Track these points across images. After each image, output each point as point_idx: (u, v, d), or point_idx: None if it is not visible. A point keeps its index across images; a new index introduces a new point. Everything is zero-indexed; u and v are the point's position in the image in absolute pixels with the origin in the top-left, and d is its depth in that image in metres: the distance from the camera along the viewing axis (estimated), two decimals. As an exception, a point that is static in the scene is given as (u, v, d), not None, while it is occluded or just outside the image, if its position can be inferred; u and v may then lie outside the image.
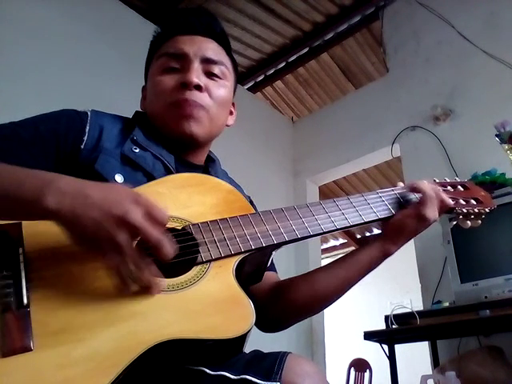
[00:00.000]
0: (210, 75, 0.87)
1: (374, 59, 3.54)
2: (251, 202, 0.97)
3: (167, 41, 0.88)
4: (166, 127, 0.84)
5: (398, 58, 2.98)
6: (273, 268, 0.93)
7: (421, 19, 2.87)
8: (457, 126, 2.53)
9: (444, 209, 0.85)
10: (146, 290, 0.58)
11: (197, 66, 0.85)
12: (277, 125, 3.53)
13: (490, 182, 1.96)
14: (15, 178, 0.59)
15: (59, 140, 0.74)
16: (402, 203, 0.85)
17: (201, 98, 0.84)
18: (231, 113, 0.96)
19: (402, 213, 0.83)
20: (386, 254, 0.84)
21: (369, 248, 0.85)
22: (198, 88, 0.84)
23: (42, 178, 0.59)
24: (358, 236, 5.76)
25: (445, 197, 0.86)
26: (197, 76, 0.84)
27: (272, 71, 3.65)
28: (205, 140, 0.88)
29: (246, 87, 3.63)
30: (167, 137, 0.85)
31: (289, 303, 0.85)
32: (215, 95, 0.86)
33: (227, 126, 0.94)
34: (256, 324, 0.86)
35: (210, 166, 0.91)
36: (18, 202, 0.57)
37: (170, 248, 0.58)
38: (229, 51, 0.93)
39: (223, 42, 0.92)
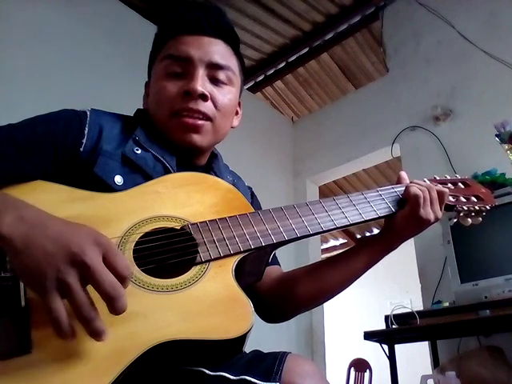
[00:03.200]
0: (215, 81, 0.84)
1: (374, 59, 3.53)
2: (252, 194, 0.97)
3: (172, 39, 0.85)
4: (169, 135, 0.83)
5: (398, 58, 2.97)
6: (276, 262, 0.93)
7: (421, 19, 2.87)
8: (457, 125, 2.53)
9: (443, 199, 0.84)
10: (92, 337, 0.51)
11: (202, 73, 0.82)
12: (277, 125, 3.53)
13: (490, 182, 1.95)
14: None
15: (57, 143, 0.73)
16: (402, 201, 0.84)
17: (205, 107, 0.81)
18: (236, 113, 0.93)
19: (401, 214, 0.82)
20: (389, 249, 0.84)
21: (372, 243, 0.85)
22: (203, 97, 0.81)
23: (8, 203, 0.57)
24: (358, 236, 5.76)
25: (440, 188, 0.85)
26: (201, 84, 0.81)
27: (272, 71, 3.64)
28: (208, 148, 0.88)
29: (246, 87, 3.62)
30: (170, 140, 0.84)
31: (293, 297, 0.85)
32: (220, 104, 0.83)
33: (232, 127, 0.92)
34: (259, 315, 0.86)
35: (212, 162, 0.90)
36: None
37: (123, 303, 0.51)
38: (237, 49, 0.89)
39: (231, 39, 0.87)
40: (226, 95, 0.85)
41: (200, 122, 0.81)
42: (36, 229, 0.52)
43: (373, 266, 0.85)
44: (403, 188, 0.85)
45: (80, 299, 0.50)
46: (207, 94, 0.81)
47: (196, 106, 0.80)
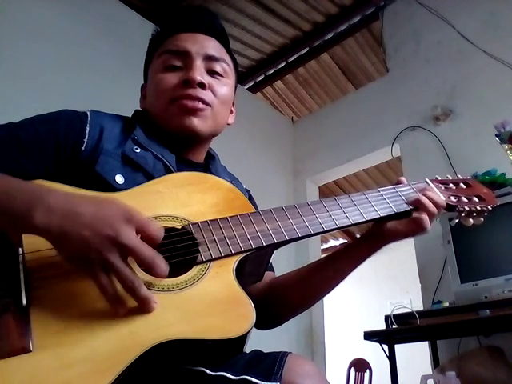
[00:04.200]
0: (212, 73, 0.87)
1: (374, 59, 3.54)
2: (250, 197, 0.97)
3: (168, 38, 0.88)
4: (168, 124, 0.84)
5: (398, 58, 2.97)
6: (270, 268, 0.93)
7: (421, 19, 2.87)
8: (457, 125, 2.53)
9: (440, 208, 0.82)
10: (141, 307, 0.56)
11: (199, 64, 0.85)
12: (277, 125, 3.53)
13: (490, 182, 1.95)
14: (6, 192, 0.57)
15: (59, 142, 0.74)
16: (403, 201, 0.83)
17: (204, 94, 0.83)
18: (231, 111, 0.95)
19: (398, 222, 0.81)
20: (375, 251, 0.83)
21: (360, 246, 0.85)
22: (202, 86, 0.83)
23: (33, 192, 0.57)
24: (358, 236, 5.75)
25: (436, 198, 0.82)
26: (200, 74, 0.84)
27: (272, 71, 3.65)
28: (207, 137, 0.88)
29: (246, 87, 3.62)
30: (169, 134, 0.84)
31: (283, 302, 0.87)
32: (218, 93, 0.86)
33: (228, 124, 0.94)
34: None
35: (210, 163, 0.91)
36: (7, 217, 0.56)
37: (163, 267, 0.56)
38: (229, 49, 0.93)
39: (223, 40, 0.91)
40: (223, 86, 0.88)
41: (200, 105, 0.83)
42: (68, 219, 0.55)
43: (359, 265, 0.84)
44: (404, 188, 0.84)
45: (124, 274, 0.54)
46: (206, 82, 0.84)
47: (195, 93, 0.82)
